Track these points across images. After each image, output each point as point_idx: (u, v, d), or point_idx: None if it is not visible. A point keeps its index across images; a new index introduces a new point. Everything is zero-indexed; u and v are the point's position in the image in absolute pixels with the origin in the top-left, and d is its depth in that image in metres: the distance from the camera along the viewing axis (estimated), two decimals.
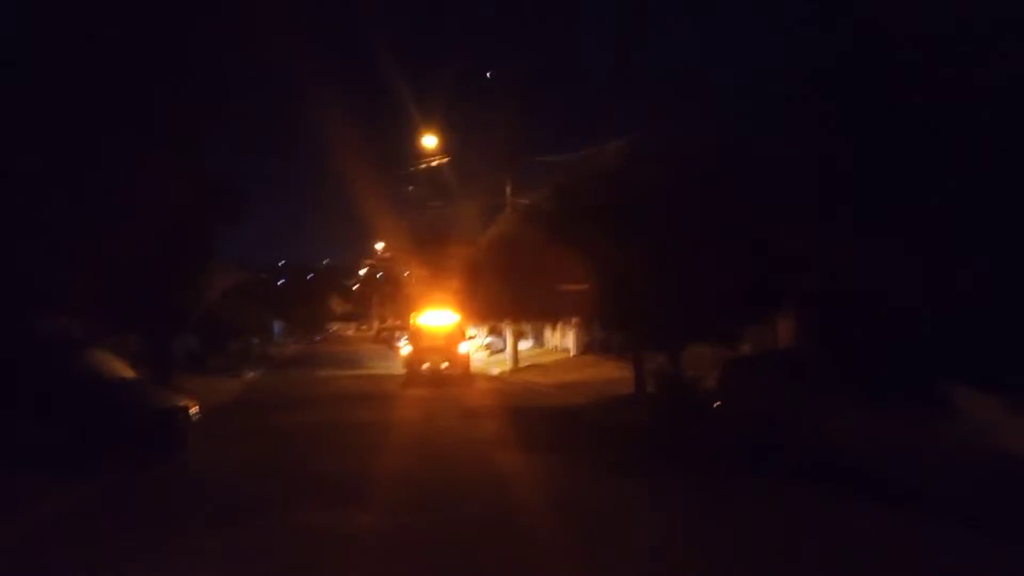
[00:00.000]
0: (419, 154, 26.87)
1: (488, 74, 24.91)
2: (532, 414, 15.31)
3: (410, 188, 28.10)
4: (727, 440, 9.39)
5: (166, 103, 12.49)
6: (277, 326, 51.56)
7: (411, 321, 27.63)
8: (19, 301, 12.27)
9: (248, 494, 8.02)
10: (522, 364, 26.52)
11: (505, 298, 14.52)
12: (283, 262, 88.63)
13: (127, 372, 10.87)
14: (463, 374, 23.29)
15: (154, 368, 17.52)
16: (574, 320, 23.88)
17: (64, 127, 10.81)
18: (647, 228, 12.38)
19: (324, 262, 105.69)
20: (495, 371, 28.67)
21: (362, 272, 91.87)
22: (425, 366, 23.44)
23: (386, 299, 73.20)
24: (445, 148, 26.44)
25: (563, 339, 30.50)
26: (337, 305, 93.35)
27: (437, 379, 22.98)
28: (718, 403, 9.95)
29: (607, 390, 17.65)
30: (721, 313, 12.73)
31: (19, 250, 11.40)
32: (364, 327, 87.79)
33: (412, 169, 27.58)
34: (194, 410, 11.07)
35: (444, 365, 23.25)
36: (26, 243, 11.37)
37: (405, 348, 26.11)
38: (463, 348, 24.13)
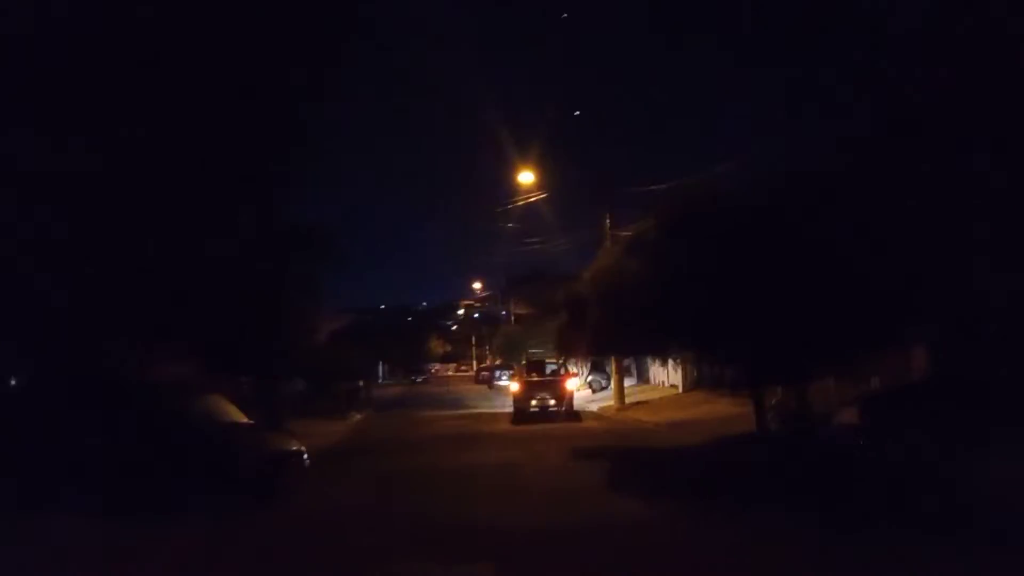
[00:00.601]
0: (516, 191, 26.83)
1: (576, 113, 24.81)
2: (644, 455, 14.61)
3: (509, 225, 27.96)
4: (876, 487, 8.48)
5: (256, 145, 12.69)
6: (380, 368, 52.37)
7: (521, 360, 27.99)
8: (128, 341, 12.60)
9: (364, 544, 7.74)
10: (627, 401, 25.76)
11: (610, 333, 13.92)
12: (383, 305, 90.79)
13: (240, 417, 10.90)
14: (568, 411, 23.82)
15: (265, 411, 17.82)
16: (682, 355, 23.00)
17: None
18: (765, 254, 11.64)
19: (423, 304, 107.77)
20: (597, 407, 28.04)
21: (460, 312, 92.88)
22: (533, 403, 23.98)
23: (485, 339, 73.64)
24: (542, 184, 26.32)
25: (669, 375, 29.55)
26: (436, 346, 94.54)
27: (544, 416, 23.51)
28: (861, 442, 9.05)
29: (723, 429, 16.74)
30: (851, 342, 11.79)
31: (125, 289, 11.66)
32: (463, 367, 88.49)
33: (509, 206, 27.52)
34: (306, 455, 11.01)
35: (551, 403, 23.90)
36: (132, 282, 11.62)
37: (512, 385, 26.65)
38: (569, 385, 25.01)
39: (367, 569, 6.76)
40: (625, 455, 14.40)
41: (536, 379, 25.44)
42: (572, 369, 28.88)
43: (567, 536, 7.74)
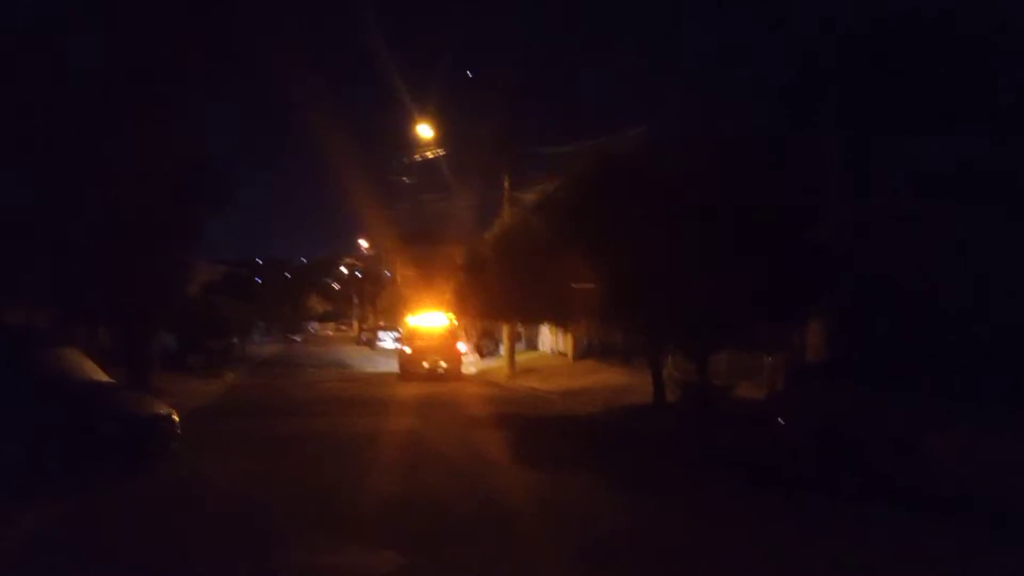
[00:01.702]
0: (411, 145, 25.66)
1: (469, 72, 23.91)
2: (543, 425, 14.12)
3: (404, 179, 26.74)
4: (794, 458, 8.26)
5: (141, 68, 11.17)
6: (258, 325, 49.93)
7: (406, 321, 28.59)
8: None
9: (243, 525, 6.77)
10: (518, 368, 25.36)
11: (511, 297, 13.28)
12: (260, 259, 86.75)
13: (99, 374, 9.52)
14: (455, 374, 24.24)
15: (129, 368, 16.15)
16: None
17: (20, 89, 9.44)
18: (673, 220, 11.27)
19: (303, 259, 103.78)
20: (478, 370, 27.60)
21: (342, 270, 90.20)
22: (424, 365, 24.08)
23: (368, 298, 71.73)
24: (439, 140, 25.27)
25: (559, 342, 29.38)
26: (316, 304, 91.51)
27: (433, 379, 23.40)
28: (779, 417, 8.79)
29: (618, 398, 16.52)
30: (753, 313, 11.66)
31: None
32: (344, 327, 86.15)
33: (405, 160, 26.30)
34: (175, 418, 9.77)
35: (442, 365, 24.15)
36: None
37: (401, 346, 26.59)
38: (460, 348, 25.15)
39: (244, 555, 5.82)
40: (525, 425, 13.86)
41: (426, 340, 25.07)
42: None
43: (476, 517, 7.04)
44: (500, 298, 13.86)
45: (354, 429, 12.75)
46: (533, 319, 14.78)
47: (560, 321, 16.05)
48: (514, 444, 11.26)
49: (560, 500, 7.81)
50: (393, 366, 26.94)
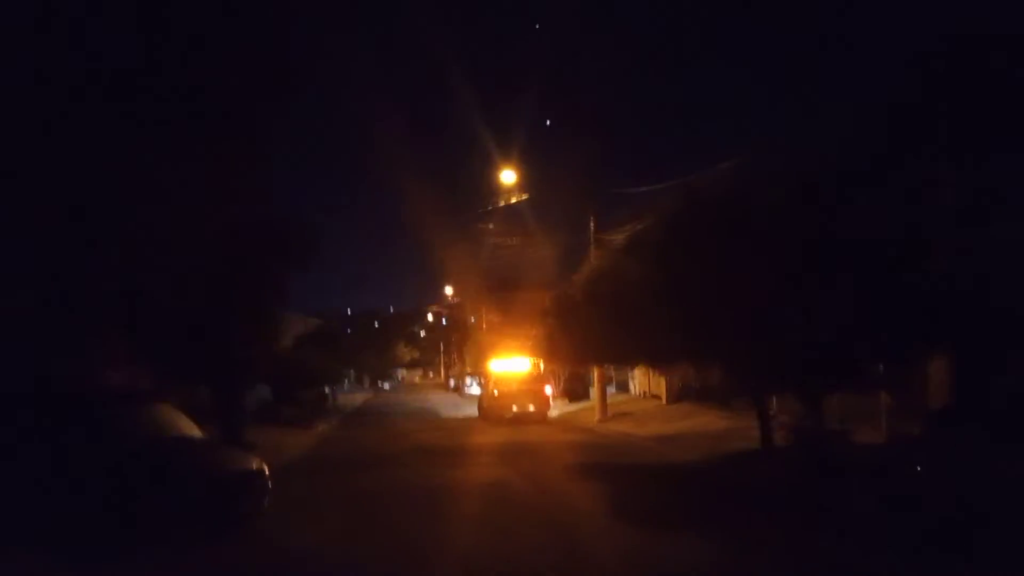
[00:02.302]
0: (496, 191, 25.61)
1: (548, 122, 23.75)
2: (641, 475, 13.39)
3: (490, 226, 26.68)
4: (952, 514, 7.30)
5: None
6: (349, 375, 50.67)
7: (488, 365, 29.37)
8: (75, 349, 11.11)
9: None
10: (610, 412, 24.60)
11: (602, 340, 12.72)
12: (350, 310, 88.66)
13: (192, 429, 9.46)
14: (544, 416, 24.77)
15: (225, 421, 16.32)
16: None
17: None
18: (775, 255, 10.57)
19: (391, 309, 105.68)
20: (568, 417, 26.87)
21: (429, 317, 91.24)
22: (513, 409, 24.43)
23: (454, 345, 72.07)
24: (523, 185, 25.15)
25: (651, 385, 28.46)
26: (404, 352, 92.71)
27: (520, 422, 23.72)
28: (918, 467, 7.89)
29: (719, 445, 15.60)
30: (870, 351, 10.76)
31: (75, 289, 10.21)
32: (430, 374, 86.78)
33: (490, 207, 26.26)
34: (267, 473, 9.59)
35: (530, 408, 24.62)
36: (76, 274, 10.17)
37: (486, 390, 27.17)
38: (547, 391, 25.77)
39: None
40: (622, 474, 13.18)
41: (511, 384, 25.41)
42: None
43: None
44: (590, 341, 13.30)
45: (445, 481, 12.35)
46: (625, 362, 14.15)
47: (654, 364, 15.35)
48: (610, 498, 10.59)
49: (668, 570, 7.13)
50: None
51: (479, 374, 40.13)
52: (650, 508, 9.89)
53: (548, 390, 26.34)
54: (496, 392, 25.12)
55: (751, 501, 10.08)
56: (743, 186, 12.06)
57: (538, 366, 26.41)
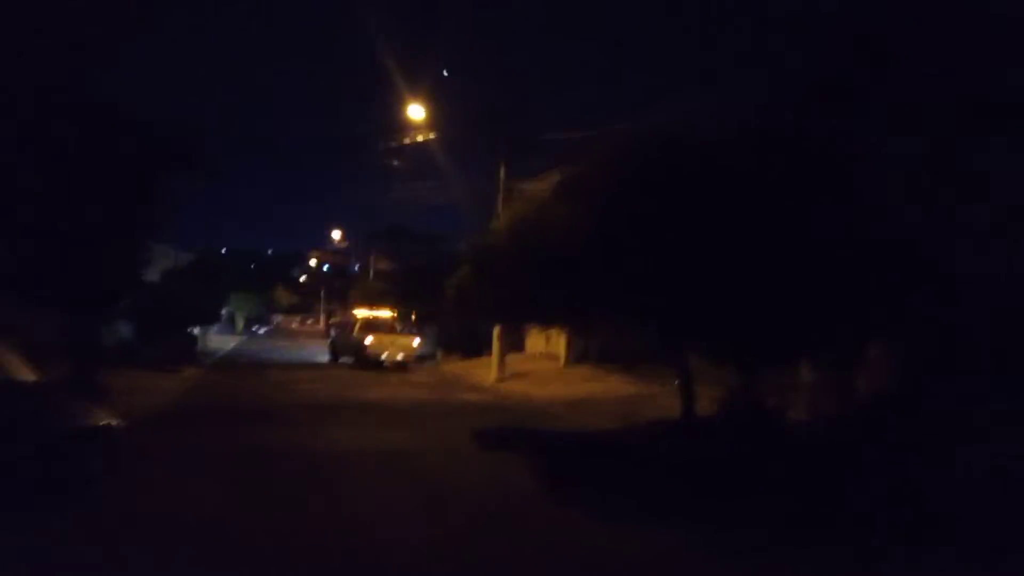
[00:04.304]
0: (401, 129, 23.60)
1: (446, 72, 22.02)
2: (562, 445, 12.21)
3: (394, 162, 24.63)
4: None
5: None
6: (223, 316, 47.41)
7: (355, 313, 32.96)
8: None
9: None
10: (505, 372, 23.47)
11: (532, 294, 11.35)
12: (225, 248, 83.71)
13: (23, 372, 7.40)
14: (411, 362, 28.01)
15: (75, 361, 13.94)
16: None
17: None
18: (739, 214, 9.53)
19: (270, 251, 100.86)
20: (461, 374, 25.75)
21: (312, 263, 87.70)
22: (383, 357, 27.30)
23: (336, 293, 69.35)
24: (430, 125, 23.28)
25: (549, 344, 27.50)
26: (283, 296, 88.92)
27: (393, 370, 26.38)
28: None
29: (633, 412, 14.70)
30: (827, 321, 9.91)
31: None
32: (309, 320, 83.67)
33: (391, 144, 24.21)
34: (117, 425, 7.68)
35: (399, 357, 27.69)
36: None
37: (356, 336, 29.04)
38: (415, 342, 29.08)
39: None
40: (539, 444, 11.96)
41: (383, 332, 28.59)
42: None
43: None
44: (512, 295, 11.87)
45: (337, 445, 10.74)
46: (549, 320, 12.84)
47: (581, 323, 14.14)
48: (536, 473, 9.33)
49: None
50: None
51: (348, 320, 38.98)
52: (587, 490, 8.65)
53: (416, 342, 29.26)
54: (371, 338, 27.75)
55: (699, 483, 9.01)
56: (690, 134, 10.88)
57: (398, 317, 30.68)
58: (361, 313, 30.98)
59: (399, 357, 27.68)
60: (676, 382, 17.81)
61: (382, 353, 27.43)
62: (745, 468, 9.27)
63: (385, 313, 30.96)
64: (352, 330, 29.73)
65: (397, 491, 8.16)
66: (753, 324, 9.77)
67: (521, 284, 11.87)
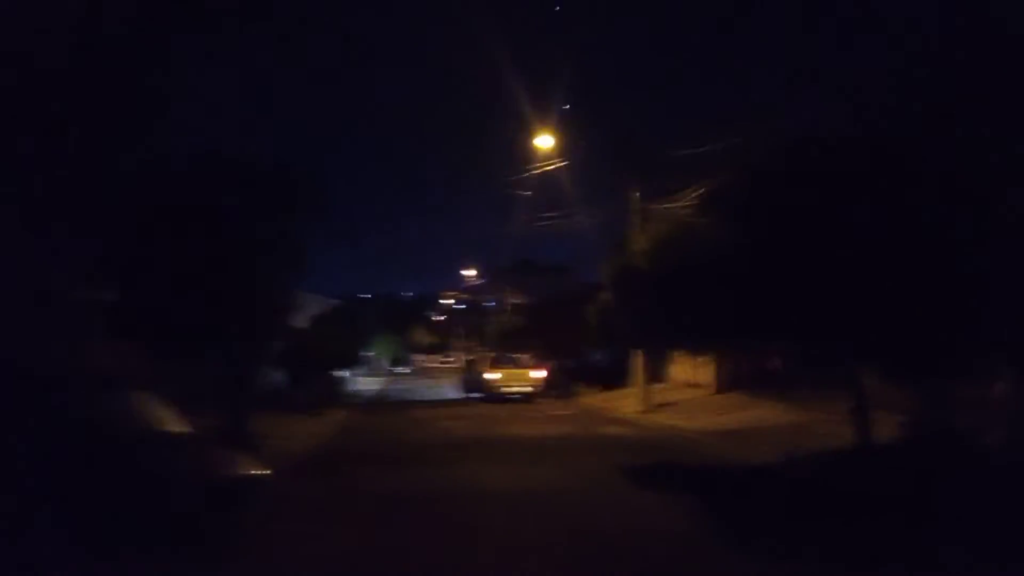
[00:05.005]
0: (529, 160, 23.40)
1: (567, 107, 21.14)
2: (720, 479, 11.28)
3: (521, 192, 24.48)
4: None
5: None
6: (366, 359, 48.91)
7: (479, 357, 34.98)
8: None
9: None
10: (652, 402, 22.49)
11: (682, 315, 10.61)
12: (369, 294, 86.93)
13: (176, 424, 7.43)
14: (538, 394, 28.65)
15: (231, 407, 14.36)
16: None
17: None
18: (896, 210, 8.50)
19: (409, 293, 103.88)
20: (603, 407, 24.92)
21: (450, 302, 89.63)
22: (508, 390, 28.36)
23: (473, 329, 70.21)
24: (558, 152, 22.95)
25: (693, 373, 26.28)
26: (421, 336, 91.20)
27: (519, 402, 27.15)
28: None
29: (796, 441, 13.45)
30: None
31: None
32: (449, 359, 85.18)
33: (519, 176, 24.03)
34: (268, 475, 7.56)
35: (527, 389, 28.62)
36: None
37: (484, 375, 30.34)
38: (541, 374, 29.89)
39: None
40: (696, 480, 11.08)
41: (510, 368, 29.72)
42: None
43: None
44: (660, 316, 11.15)
45: (483, 484, 10.34)
46: (700, 341, 11.99)
47: (736, 343, 13.19)
48: (699, 514, 8.49)
49: None
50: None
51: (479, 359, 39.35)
52: (758, 529, 7.76)
53: (540, 374, 29.91)
54: (496, 375, 29.08)
55: (893, 522, 7.87)
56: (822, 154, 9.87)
57: (527, 352, 31.47)
58: (486, 353, 33.32)
59: (526, 390, 28.63)
60: (849, 407, 16.47)
61: (506, 387, 28.61)
62: (944, 502, 8.06)
63: (513, 352, 32.19)
64: (480, 367, 31.25)
65: (549, 537, 7.57)
66: (941, 330, 8.63)
67: (669, 305, 11.16)
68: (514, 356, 31.33)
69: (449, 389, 37.86)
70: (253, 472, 7.25)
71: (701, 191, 11.76)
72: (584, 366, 33.84)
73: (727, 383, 22.87)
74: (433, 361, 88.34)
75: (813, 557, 6.54)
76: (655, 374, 30.23)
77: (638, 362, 22.49)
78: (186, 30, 9.96)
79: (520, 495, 9.64)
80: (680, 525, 7.92)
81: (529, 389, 28.75)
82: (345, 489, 10.42)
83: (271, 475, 7.73)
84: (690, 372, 26.34)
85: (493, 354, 32.26)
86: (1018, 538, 6.56)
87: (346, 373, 33.90)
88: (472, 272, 65.23)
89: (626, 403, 23.60)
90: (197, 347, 13.82)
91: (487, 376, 29.32)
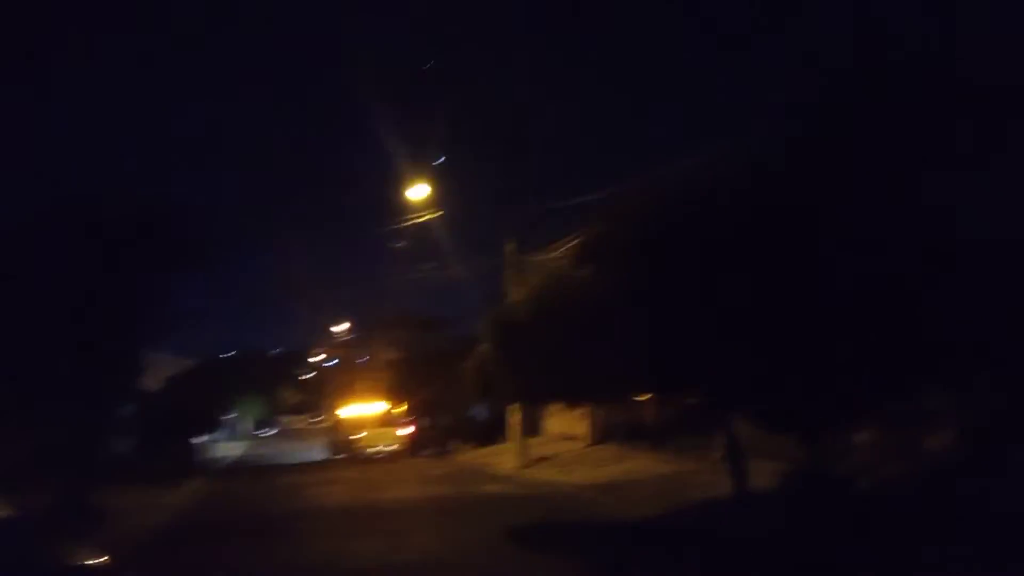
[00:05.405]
0: (401, 212, 22.90)
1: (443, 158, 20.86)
2: (610, 540, 10.85)
3: (400, 244, 23.81)
4: None
5: None
6: (228, 422, 46.05)
7: (338, 413, 34.16)
8: None
9: None
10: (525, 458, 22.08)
11: (561, 371, 10.35)
12: (234, 351, 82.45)
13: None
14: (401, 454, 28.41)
15: (68, 480, 12.81)
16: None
17: None
18: (774, 259, 8.62)
19: (275, 351, 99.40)
20: (481, 463, 24.34)
21: (320, 359, 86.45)
22: (372, 449, 28.42)
23: (343, 387, 67.88)
24: (434, 204, 22.61)
25: (567, 425, 26.16)
26: (288, 396, 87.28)
27: (379, 460, 27.10)
28: None
29: (676, 494, 13.39)
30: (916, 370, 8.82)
31: None
32: (316, 418, 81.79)
33: (393, 227, 23.47)
34: (98, 561, 6.49)
35: (390, 447, 28.78)
36: None
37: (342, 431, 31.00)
38: (404, 430, 29.88)
39: None
40: (578, 540, 10.64)
41: (371, 424, 29.80)
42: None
43: None
44: (546, 369, 10.80)
45: (357, 560, 9.49)
46: (591, 392, 11.74)
47: (623, 392, 13.05)
48: None
49: None
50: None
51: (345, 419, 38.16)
52: None
53: (404, 431, 29.97)
54: (360, 434, 29.16)
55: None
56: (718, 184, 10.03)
57: (392, 408, 31.40)
58: (346, 411, 32.11)
59: (388, 448, 28.79)
60: (718, 455, 16.62)
61: (370, 446, 28.75)
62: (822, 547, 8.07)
63: (373, 407, 31.73)
64: (343, 427, 31.11)
65: None
66: (814, 381, 8.74)
67: (550, 359, 10.86)
68: (381, 414, 31.20)
69: (317, 451, 36.05)
70: (85, 562, 6.21)
71: (577, 243, 11.63)
72: (461, 422, 33.15)
73: (601, 434, 22.87)
74: (301, 422, 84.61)
75: None
76: (531, 428, 29.98)
77: (516, 417, 22.09)
78: None
79: (395, 571, 8.87)
80: None
81: (395, 447, 28.88)
82: (196, 566, 9.30)
83: (108, 562, 6.69)
84: (565, 424, 26.22)
85: (360, 413, 31.43)
86: None
87: (205, 438, 31.62)
88: (343, 327, 63.27)
89: (504, 459, 23.08)
90: (24, 410, 12.30)
91: (351, 436, 29.33)
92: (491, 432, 29.42)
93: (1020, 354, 8.24)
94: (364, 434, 29.32)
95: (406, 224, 22.53)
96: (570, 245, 12.43)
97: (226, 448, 39.75)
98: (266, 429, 65.99)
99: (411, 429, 30.54)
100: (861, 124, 8.56)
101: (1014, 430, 9.33)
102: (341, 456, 29.97)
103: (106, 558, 6.62)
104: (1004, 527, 7.40)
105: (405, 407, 32.97)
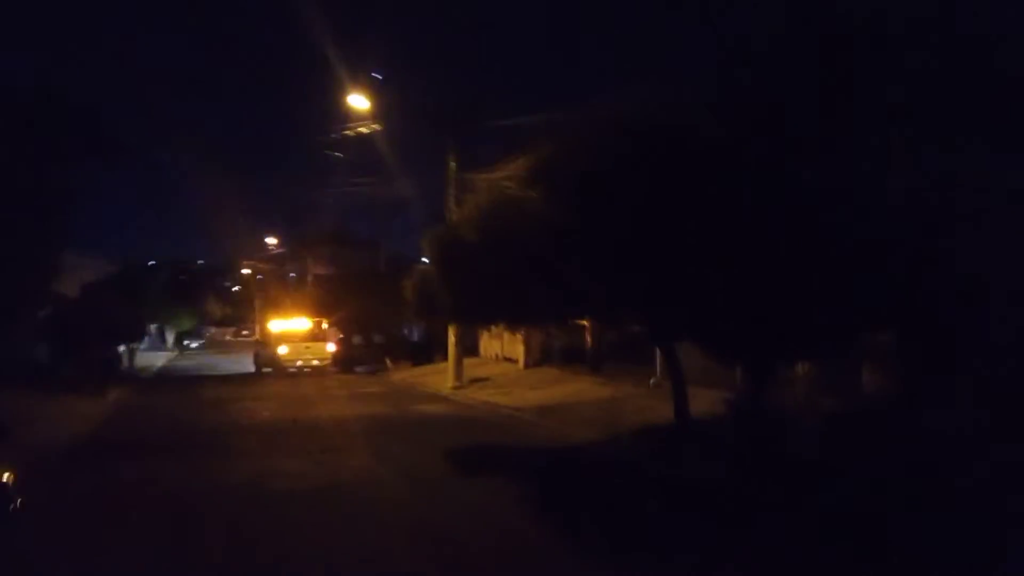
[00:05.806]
0: (340, 120, 21.83)
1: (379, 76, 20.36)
2: (547, 463, 10.67)
3: (337, 154, 22.76)
4: None
5: None
6: (151, 331, 44.60)
7: (269, 326, 32.55)
8: None
9: None
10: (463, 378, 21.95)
11: (511, 291, 10.01)
12: (153, 261, 79.51)
13: None
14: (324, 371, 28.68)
15: None
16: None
17: None
18: (723, 194, 8.30)
19: (200, 261, 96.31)
20: (415, 382, 24.18)
21: (245, 272, 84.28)
22: (298, 363, 28.54)
23: (272, 301, 66.50)
24: (374, 115, 21.59)
25: (504, 348, 26.12)
26: (215, 308, 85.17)
27: (310, 375, 27.56)
28: None
29: (615, 418, 13.36)
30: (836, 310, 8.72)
31: None
32: (244, 332, 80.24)
33: (332, 137, 22.39)
34: (8, 477, 5.93)
35: (314, 363, 28.91)
36: None
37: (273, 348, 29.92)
38: (329, 347, 30.14)
39: None
40: (522, 464, 10.41)
41: (298, 341, 29.29)
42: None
43: None
44: (488, 293, 10.44)
45: (287, 480, 9.10)
46: (531, 318, 11.53)
47: (565, 318, 12.81)
48: (532, 505, 7.87)
49: None
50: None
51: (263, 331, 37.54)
52: (603, 525, 7.17)
53: (331, 347, 30.32)
54: (285, 348, 28.84)
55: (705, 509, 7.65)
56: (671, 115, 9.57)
57: (319, 324, 30.76)
58: (276, 325, 31.24)
59: (314, 363, 28.94)
60: (651, 381, 16.68)
61: (296, 362, 28.81)
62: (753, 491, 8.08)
63: (302, 322, 31.11)
64: (270, 341, 30.66)
65: (367, 542, 6.60)
66: (760, 314, 8.58)
67: (496, 280, 10.47)
68: (308, 329, 30.64)
69: (244, 364, 35.30)
70: None
71: (525, 164, 11.05)
72: (396, 340, 32.82)
73: (538, 358, 22.87)
74: (228, 334, 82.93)
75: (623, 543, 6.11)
76: (467, 348, 29.89)
77: (451, 337, 21.82)
78: None
79: (329, 492, 8.52)
80: (513, 522, 7.20)
81: (317, 363, 29.08)
82: (112, 485, 8.80)
83: (13, 476, 6.11)
84: (502, 346, 26.17)
85: (288, 328, 30.72)
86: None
87: (125, 347, 30.52)
88: (274, 240, 61.58)
89: (440, 379, 22.92)
90: None
91: (278, 350, 29.11)
92: (427, 351, 29.23)
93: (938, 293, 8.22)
94: (291, 348, 29.08)
95: (345, 133, 21.50)
96: (515, 165, 11.86)
97: (151, 358, 38.61)
98: (192, 341, 64.69)
99: (337, 345, 30.88)
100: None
101: (945, 367, 9.40)
102: (268, 370, 29.71)
103: (10, 473, 6.04)
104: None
105: (335, 323, 32.64)
